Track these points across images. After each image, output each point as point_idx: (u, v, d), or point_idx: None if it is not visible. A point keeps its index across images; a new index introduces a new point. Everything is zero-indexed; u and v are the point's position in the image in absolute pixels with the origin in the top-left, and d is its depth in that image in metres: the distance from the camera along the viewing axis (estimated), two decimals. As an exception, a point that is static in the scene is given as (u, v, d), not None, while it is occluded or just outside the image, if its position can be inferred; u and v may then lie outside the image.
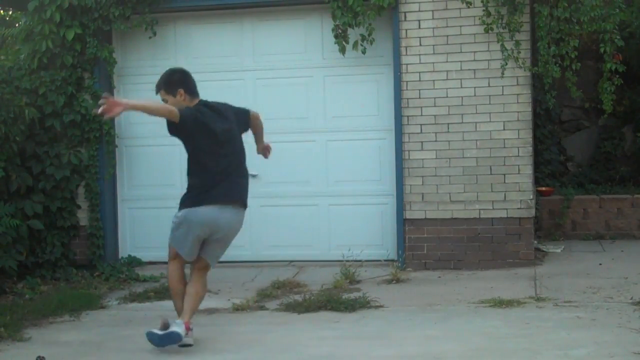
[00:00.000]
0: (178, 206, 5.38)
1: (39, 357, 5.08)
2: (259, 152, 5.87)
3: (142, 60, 8.41)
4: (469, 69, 7.57)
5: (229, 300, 6.69)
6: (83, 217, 8.24)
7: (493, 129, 7.55)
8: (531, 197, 7.60)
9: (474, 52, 7.56)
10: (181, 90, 5.29)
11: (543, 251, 8.18)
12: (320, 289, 6.91)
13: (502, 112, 7.53)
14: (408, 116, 7.68)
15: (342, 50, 7.70)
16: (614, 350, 4.85)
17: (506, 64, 7.35)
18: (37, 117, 7.80)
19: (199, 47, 8.30)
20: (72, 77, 8.12)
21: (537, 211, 8.46)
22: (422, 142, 7.68)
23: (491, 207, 7.57)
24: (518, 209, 7.54)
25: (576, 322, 5.57)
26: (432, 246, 7.66)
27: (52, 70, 8.08)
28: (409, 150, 7.69)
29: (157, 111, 5.06)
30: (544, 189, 9.31)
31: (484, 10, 7.37)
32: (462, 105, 7.59)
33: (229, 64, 8.22)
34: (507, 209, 7.55)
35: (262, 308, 6.47)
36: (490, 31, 7.40)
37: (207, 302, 6.63)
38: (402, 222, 7.73)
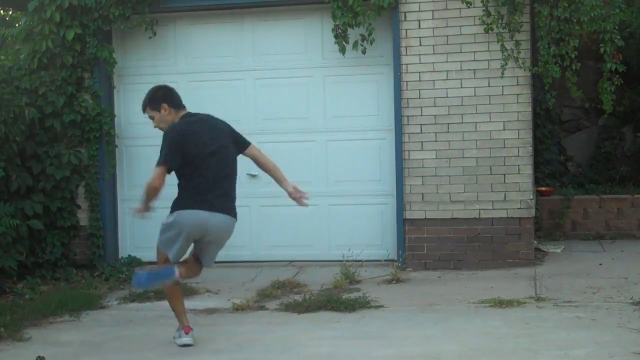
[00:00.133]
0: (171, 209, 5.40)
1: (39, 357, 5.08)
2: (291, 196, 5.64)
3: (142, 60, 8.41)
4: (469, 69, 7.57)
5: (229, 300, 6.69)
6: (83, 217, 8.24)
7: (493, 129, 7.55)
8: (531, 197, 7.60)
9: (474, 52, 7.56)
10: (165, 105, 5.44)
11: (543, 251, 8.18)
12: (320, 289, 6.91)
13: (502, 112, 7.53)
14: (408, 116, 7.68)
15: (342, 50, 7.70)
16: (614, 350, 4.85)
17: (506, 64, 7.35)
18: (37, 117, 7.80)
19: (198, 47, 8.30)
20: (72, 77, 8.12)
21: (537, 211, 8.46)
22: (422, 142, 7.68)
23: (491, 207, 7.57)
24: (518, 209, 7.54)
25: (576, 322, 5.57)
26: (432, 246, 7.66)
27: (52, 70, 8.08)
28: (409, 150, 7.69)
29: (150, 190, 5.34)
30: (544, 189, 9.31)
31: (484, 10, 7.37)
32: (462, 105, 7.59)
33: (229, 64, 8.22)
34: (507, 209, 7.55)
35: (262, 308, 6.47)
36: (490, 31, 7.40)
37: (207, 302, 6.66)
38: (402, 222, 7.73)
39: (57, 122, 8.02)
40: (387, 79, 7.90)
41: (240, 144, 5.54)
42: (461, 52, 7.57)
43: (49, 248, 7.93)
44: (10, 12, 11.50)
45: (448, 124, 7.62)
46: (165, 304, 6.54)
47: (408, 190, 7.69)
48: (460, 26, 7.58)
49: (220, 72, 8.16)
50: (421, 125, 7.67)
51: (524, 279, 7.04)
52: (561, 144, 10.25)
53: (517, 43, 7.36)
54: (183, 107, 5.52)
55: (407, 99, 7.67)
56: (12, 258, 7.26)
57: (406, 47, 7.66)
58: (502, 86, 7.51)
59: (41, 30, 7.96)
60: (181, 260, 5.41)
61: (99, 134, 8.14)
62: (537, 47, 7.53)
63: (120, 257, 8.38)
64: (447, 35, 7.60)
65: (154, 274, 5.24)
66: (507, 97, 7.52)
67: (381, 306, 6.31)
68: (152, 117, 5.50)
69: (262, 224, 8.27)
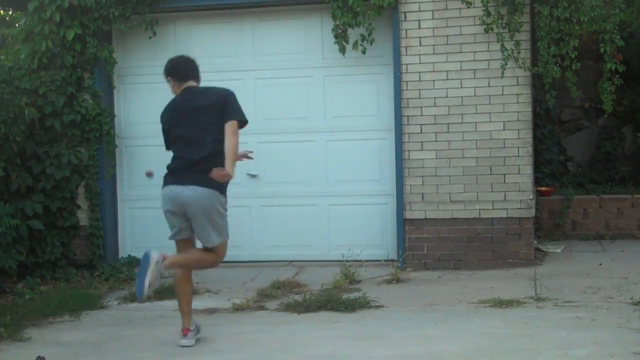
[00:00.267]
0: None
1: (39, 357, 5.08)
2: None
3: (142, 60, 8.41)
4: (469, 69, 7.57)
5: (229, 300, 6.69)
6: (83, 217, 8.24)
7: (493, 129, 7.55)
8: (531, 197, 7.60)
9: (474, 52, 7.56)
10: (169, 78, 5.57)
11: (543, 251, 8.18)
12: (320, 289, 6.91)
13: (502, 112, 7.53)
14: (408, 116, 7.68)
15: (342, 50, 7.70)
16: (614, 350, 4.85)
17: (506, 64, 7.36)
18: (37, 117, 7.80)
19: (198, 47, 8.28)
20: (72, 77, 8.12)
21: (537, 211, 8.46)
22: (422, 142, 7.68)
23: (491, 207, 7.57)
24: (518, 209, 7.54)
25: (576, 322, 5.57)
26: (432, 246, 7.66)
27: (52, 70, 8.07)
28: (409, 150, 7.69)
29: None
30: (544, 189, 9.31)
31: (484, 10, 7.37)
32: (462, 105, 7.59)
33: (229, 64, 8.22)
34: (507, 209, 7.55)
35: (262, 308, 6.47)
36: (490, 31, 7.40)
37: (207, 302, 6.66)
38: (402, 222, 7.73)
39: (57, 122, 8.02)
40: (387, 79, 7.90)
41: (224, 116, 5.40)
42: (461, 52, 7.57)
43: (49, 248, 7.93)
44: (10, 12, 11.51)
45: (448, 124, 7.62)
46: (165, 304, 6.57)
47: (408, 190, 7.69)
48: (460, 26, 7.58)
49: (220, 72, 8.15)
50: (421, 125, 7.67)
51: (524, 279, 7.04)
52: (561, 144, 10.25)
53: (517, 43, 7.36)
54: (186, 79, 5.55)
55: (407, 99, 7.67)
56: (12, 258, 7.26)
57: (406, 47, 7.66)
58: (502, 86, 7.51)
59: (41, 30, 7.96)
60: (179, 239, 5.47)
61: (99, 134, 8.14)
62: (537, 47, 7.53)
63: (120, 257, 8.38)
64: (447, 35, 7.60)
65: (139, 272, 5.20)
66: (507, 97, 7.52)
67: (381, 306, 6.31)
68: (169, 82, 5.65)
69: (262, 224, 8.28)
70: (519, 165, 7.54)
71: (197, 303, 6.60)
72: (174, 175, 5.37)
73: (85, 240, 8.20)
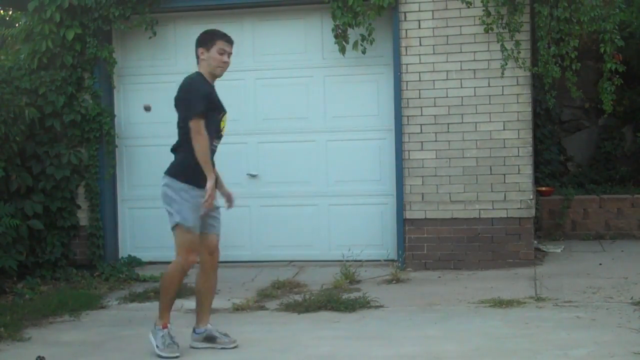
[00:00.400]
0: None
1: (39, 357, 5.07)
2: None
3: (142, 60, 8.41)
4: (469, 69, 7.57)
5: (229, 300, 6.69)
6: (83, 217, 8.24)
7: (493, 129, 7.55)
8: (531, 197, 7.60)
9: (474, 52, 7.56)
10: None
11: (543, 251, 8.18)
12: (320, 289, 6.91)
13: (502, 112, 7.53)
14: (408, 116, 7.68)
15: (342, 50, 7.70)
16: (614, 350, 4.85)
17: (506, 64, 7.35)
18: (37, 117, 7.80)
19: (199, 47, 8.29)
20: (72, 77, 8.12)
21: (537, 211, 8.46)
22: (422, 142, 7.68)
23: (491, 207, 7.57)
24: (518, 209, 7.54)
25: (576, 322, 5.57)
26: (432, 246, 7.66)
27: (52, 70, 8.08)
28: (409, 150, 7.69)
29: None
30: (544, 189, 9.31)
31: (484, 10, 7.37)
32: (462, 105, 7.59)
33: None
34: (507, 209, 7.55)
35: (262, 308, 6.47)
36: (490, 31, 7.40)
37: (207, 302, 6.64)
38: (402, 222, 7.73)
39: (57, 122, 8.02)
40: (387, 79, 7.90)
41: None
42: (461, 52, 7.57)
43: (49, 248, 7.93)
44: (10, 12, 11.51)
45: (448, 124, 7.62)
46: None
47: (408, 190, 7.69)
48: (460, 26, 7.58)
49: (220, 72, 8.16)
50: (421, 125, 7.67)
51: (524, 279, 7.04)
52: (561, 144, 10.26)
53: (517, 43, 7.36)
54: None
55: (407, 99, 7.67)
56: (12, 258, 7.26)
57: (406, 47, 7.66)
58: (502, 86, 7.51)
59: (41, 30, 7.96)
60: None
61: (99, 134, 8.14)
62: (537, 47, 7.53)
63: (120, 257, 8.38)
64: (447, 35, 7.60)
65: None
66: (507, 97, 7.52)
67: (381, 306, 6.31)
68: (230, 54, 5.36)
69: (262, 224, 8.28)
70: (519, 165, 7.54)
71: (197, 303, 6.62)
72: None
73: (85, 240, 8.20)
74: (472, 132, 7.58)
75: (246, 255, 8.18)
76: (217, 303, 6.59)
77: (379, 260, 7.81)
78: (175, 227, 5.12)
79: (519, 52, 7.38)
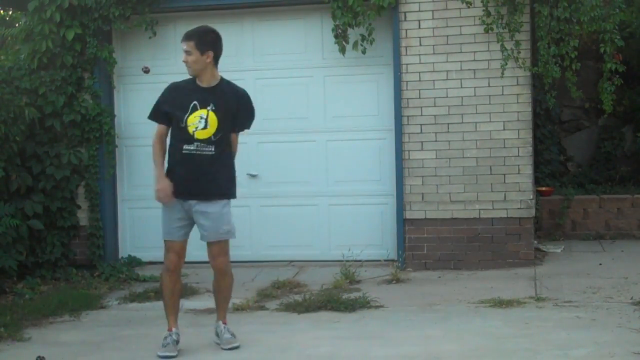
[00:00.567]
0: (230, 195, 5.32)
1: (39, 357, 5.08)
2: None
3: (142, 60, 8.39)
4: (469, 69, 7.57)
5: (229, 300, 6.68)
6: (83, 217, 8.24)
7: (493, 129, 7.55)
8: (531, 197, 7.60)
9: (474, 52, 7.56)
10: (210, 53, 5.22)
11: (543, 251, 8.18)
12: (320, 289, 6.91)
13: (502, 112, 7.53)
14: (408, 116, 7.68)
15: (342, 50, 7.70)
16: (614, 350, 4.85)
17: (506, 64, 7.35)
18: (37, 117, 7.80)
19: (199, 47, 8.29)
20: (72, 77, 8.12)
21: (537, 211, 8.46)
22: (422, 142, 7.68)
23: (491, 207, 7.57)
24: (518, 209, 7.54)
25: (576, 322, 5.57)
26: (432, 246, 7.66)
27: (52, 70, 8.07)
28: (409, 150, 7.69)
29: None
30: (544, 189, 9.31)
31: (484, 10, 7.37)
32: (462, 105, 7.59)
33: (229, 64, 8.14)
34: (507, 209, 7.55)
35: (262, 308, 6.47)
36: (490, 31, 7.40)
37: (207, 302, 6.64)
38: (402, 222, 7.73)
39: (57, 122, 8.02)
40: (387, 79, 7.90)
41: None
42: (461, 52, 7.57)
43: (49, 248, 7.93)
44: (10, 12, 11.50)
45: (448, 124, 7.62)
46: (165, 304, 6.55)
47: (408, 190, 7.69)
48: (460, 26, 7.58)
49: (220, 72, 8.10)
50: (421, 125, 7.67)
51: (524, 279, 7.04)
52: (561, 144, 10.26)
53: (517, 43, 7.36)
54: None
55: (407, 99, 7.67)
56: (12, 258, 7.26)
57: (406, 47, 7.66)
58: (502, 86, 7.51)
59: (41, 30, 7.96)
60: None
61: (99, 134, 8.14)
62: (537, 47, 7.53)
63: (120, 257, 8.38)
64: (447, 35, 7.60)
65: None
66: (507, 97, 7.52)
67: (381, 306, 6.31)
68: (188, 52, 5.18)
69: (262, 224, 8.27)
70: (519, 165, 7.54)
71: (197, 303, 6.63)
72: None
73: (85, 240, 8.20)
74: (472, 132, 7.57)
75: (246, 255, 8.17)
76: (217, 303, 6.61)
77: (379, 260, 7.82)
78: None
79: (519, 52, 7.38)
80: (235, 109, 5.31)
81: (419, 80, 7.65)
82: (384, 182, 8.02)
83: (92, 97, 8.14)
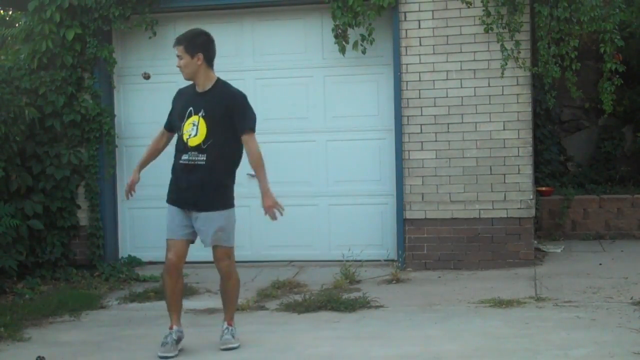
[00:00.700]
0: (228, 205, 5.35)
1: (39, 357, 5.08)
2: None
3: (142, 60, 8.41)
4: (469, 69, 7.57)
5: (229, 300, 6.68)
6: (83, 217, 8.24)
7: (493, 129, 7.55)
8: (531, 197, 7.60)
9: (474, 52, 7.56)
10: (200, 55, 5.18)
11: (543, 251, 8.18)
12: (320, 289, 6.91)
13: (502, 112, 7.53)
14: (408, 116, 7.68)
15: (342, 50, 7.70)
16: (614, 350, 4.85)
17: (506, 64, 7.36)
18: (37, 117, 7.80)
19: (199, 47, 8.29)
20: (72, 77, 8.12)
21: (537, 211, 8.46)
22: (422, 142, 7.68)
23: (491, 207, 7.57)
24: (518, 209, 7.54)
25: (576, 322, 5.57)
26: (432, 246, 7.66)
27: (52, 70, 8.08)
28: (409, 150, 7.69)
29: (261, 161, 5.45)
30: (544, 189, 9.31)
31: (484, 10, 7.37)
32: (462, 105, 7.59)
33: (229, 64, 8.18)
34: (507, 209, 7.55)
35: (262, 308, 6.47)
36: (490, 31, 7.40)
37: (207, 302, 6.66)
38: (402, 222, 7.73)
39: (57, 122, 8.02)
40: (387, 79, 7.90)
41: None
42: (461, 52, 7.57)
43: (49, 248, 7.93)
44: (10, 12, 11.50)
45: (448, 124, 7.62)
46: (165, 304, 6.55)
47: (408, 190, 7.69)
48: (460, 26, 7.58)
49: (220, 72, 7.98)
50: (421, 125, 7.67)
51: (524, 279, 7.04)
52: (561, 144, 10.25)
53: (517, 43, 7.36)
54: (213, 66, 5.34)
55: (407, 99, 7.67)
56: (12, 258, 7.26)
57: (406, 47, 7.66)
58: (502, 86, 7.51)
59: (41, 30, 7.96)
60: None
61: (99, 134, 8.14)
62: (537, 47, 7.53)
63: (120, 257, 8.38)
64: (447, 35, 7.60)
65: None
66: (507, 97, 7.52)
67: (381, 306, 6.31)
68: (179, 57, 5.19)
69: (262, 224, 8.23)
70: (519, 165, 7.54)
71: (197, 303, 6.63)
72: None
73: (85, 240, 8.20)
74: (472, 132, 7.58)
75: (246, 255, 8.16)
76: (217, 303, 6.60)
77: (379, 260, 7.82)
78: None
79: (519, 52, 7.39)
80: (230, 111, 5.22)
81: (419, 80, 7.65)
82: (384, 182, 8.02)
83: (92, 97, 8.14)
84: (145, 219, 8.31)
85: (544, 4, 7.34)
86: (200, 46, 5.19)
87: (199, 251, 7.52)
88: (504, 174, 7.55)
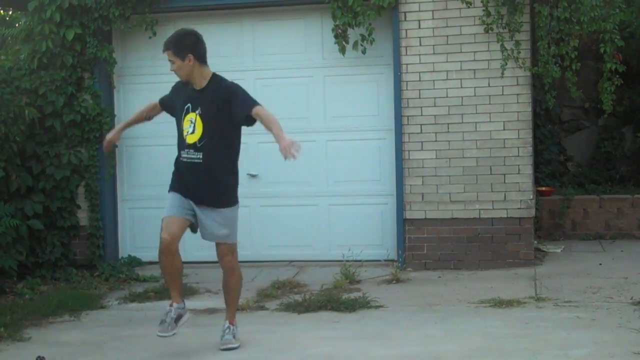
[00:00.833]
0: (231, 203, 5.32)
1: (39, 357, 5.08)
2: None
3: (142, 60, 8.41)
4: (469, 69, 7.57)
5: (229, 300, 6.68)
6: (83, 217, 8.24)
7: (493, 129, 7.55)
8: (531, 197, 7.60)
9: (474, 52, 7.56)
10: (191, 56, 5.20)
11: (543, 251, 8.18)
12: (320, 289, 6.91)
13: (502, 112, 7.53)
14: (408, 116, 7.68)
15: (342, 50, 7.70)
16: (614, 350, 4.85)
17: (506, 64, 7.36)
18: (37, 117, 7.80)
19: (198, 47, 8.28)
20: (72, 77, 8.12)
21: (537, 211, 8.46)
22: (422, 142, 7.68)
23: (491, 207, 7.57)
24: (518, 209, 7.54)
25: (576, 322, 5.57)
26: (432, 246, 7.66)
27: (52, 70, 8.08)
28: (409, 150, 7.69)
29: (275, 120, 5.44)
30: (544, 189, 9.31)
31: (484, 10, 7.37)
32: (462, 105, 7.59)
33: (229, 64, 8.19)
34: (507, 209, 7.55)
35: (262, 308, 6.47)
36: (490, 31, 7.40)
37: (207, 302, 6.66)
38: (402, 222, 7.73)
39: (57, 122, 8.02)
40: (387, 79, 7.90)
41: None
42: (461, 52, 7.57)
43: (49, 248, 7.93)
44: (10, 12, 11.50)
45: (448, 124, 7.62)
46: (165, 304, 6.54)
47: (408, 190, 7.69)
48: (460, 26, 7.58)
49: (220, 72, 8.08)
50: (421, 125, 7.67)
51: (524, 279, 7.04)
52: (561, 144, 10.26)
53: (517, 43, 7.36)
54: (207, 63, 5.37)
55: (407, 99, 7.67)
56: (12, 258, 7.26)
57: (406, 47, 7.66)
58: (502, 86, 7.51)
59: (41, 30, 7.96)
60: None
61: (99, 134, 8.14)
62: (537, 47, 7.53)
63: (120, 257, 8.38)
64: (447, 35, 7.60)
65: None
66: (507, 97, 7.52)
67: (381, 306, 6.31)
68: (171, 62, 5.27)
69: (262, 224, 8.27)
70: (519, 165, 7.54)
71: (197, 303, 6.62)
72: None
73: (85, 240, 8.20)
74: (472, 132, 7.58)
75: (246, 255, 8.14)
76: (217, 303, 6.62)
77: (379, 260, 7.82)
78: None
79: (519, 52, 7.39)
80: (227, 103, 5.25)
81: (419, 80, 7.65)
82: (384, 182, 8.02)
83: (92, 97, 8.14)
84: (145, 219, 8.31)
85: (544, 4, 7.34)
86: (189, 47, 5.22)
87: (199, 251, 7.56)
88: (504, 174, 7.55)
